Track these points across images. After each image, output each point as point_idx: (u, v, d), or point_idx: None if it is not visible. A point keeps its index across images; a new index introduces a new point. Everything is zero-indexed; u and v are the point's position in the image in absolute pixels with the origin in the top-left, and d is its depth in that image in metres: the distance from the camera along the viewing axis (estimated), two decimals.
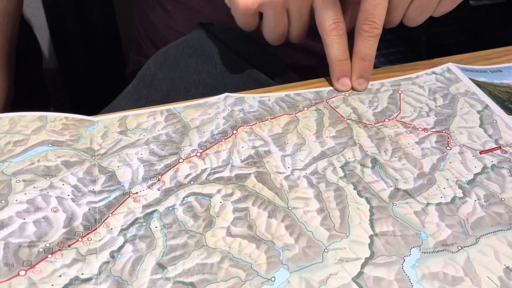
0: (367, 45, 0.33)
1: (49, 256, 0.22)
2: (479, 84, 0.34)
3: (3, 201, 0.24)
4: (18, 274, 0.21)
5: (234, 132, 0.30)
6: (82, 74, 0.67)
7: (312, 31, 0.36)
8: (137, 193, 0.25)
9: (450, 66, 0.36)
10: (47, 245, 0.22)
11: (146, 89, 0.41)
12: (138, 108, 0.32)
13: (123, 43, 0.64)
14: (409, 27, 0.36)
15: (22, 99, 0.49)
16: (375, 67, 0.35)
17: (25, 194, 0.24)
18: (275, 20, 0.35)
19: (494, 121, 0.31)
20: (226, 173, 0.27)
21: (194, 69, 0.40)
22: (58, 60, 0.65)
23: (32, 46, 0.57)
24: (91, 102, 0.68)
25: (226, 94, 0.33)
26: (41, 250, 0.22)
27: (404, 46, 1.57)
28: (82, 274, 0.21)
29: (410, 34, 1.45)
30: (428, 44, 1.41)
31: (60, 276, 0.21)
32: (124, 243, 0.23)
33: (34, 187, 0.24)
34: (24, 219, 0.23)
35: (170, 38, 0.52)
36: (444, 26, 1.39)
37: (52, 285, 0.21)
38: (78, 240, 0.23)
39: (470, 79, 0.34)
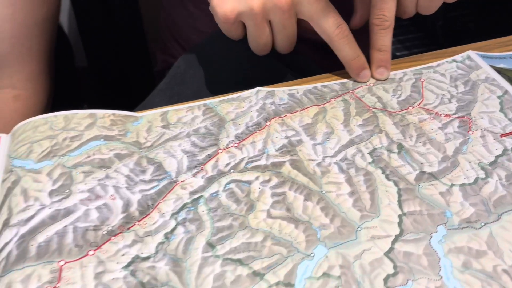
0: (381, 37, 0.35)
1: (112, 238, 0.24)
2: (498, 70, 0.35)
3: (67, 191, 0.26)
4: (88, 254, 0.23)
5: (267, 123, 0.32)
6: (110, 72, 0.70)
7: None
8: (183, 181, 0.28)
9: (470, 54, 0.37)
10: (109, 228, 0.25)
11: (178, 86, 0.43)
12: (172, 104, 0.35)
13: (148, 43, 0.67)
14: (424, 15, 0.37)
15: (58, 96, 0.52)
16: (393, 55, 0.37)
17: (85, 184, 0.27)
18: (257, 31, 0.34)
19: None
20: (262, 162, 0.29)
21: (222, 66, 0.42)
22: (88, 59, 0.68)
23: (64, 46, 0.60)
24: (120, 99, 0.71)
25: (258, 88, 0.35)
26: (105, 233, 0.24)
27: (421, 32, 1.56)
28: (142, 253, 0.24)
29: (427, 19, 1.44)
30: (445, 29, 1.40)
31: (123, 255, 0.24)
32: (176, 225, 0.25)
33: (92, 178, 0.27)
34: (87, 206, 0.26)
35: (194, 38, 0.54)
36: (461, 11, 1.38)
37: (118, 263, 0.23)
38: (135, 224, 0.25)
39: (490, 65, 0.36)
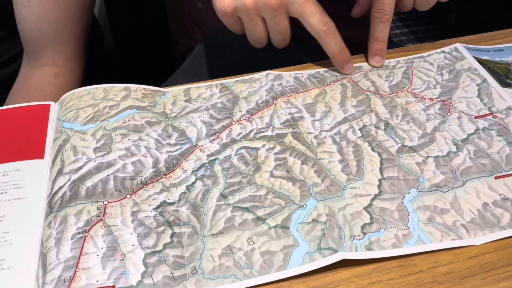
0: (379, 29, 0.39)
1: (145, 186, 0.30)
2: (481, 62, 0.40)
3: (108, 148, 0.32)
4: (126, 197, 0.29)
5: (274, 101, 0.37)
6: (135, 53, 0.75)
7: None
8: (202, 145, 0.34)
9: (457, 46, 0.42)
10: (142, 179, 0.31)
11: (199, 68, 0.49)
12: (193, 82, 0.40)
13: (170, 27, 0.72)
14: (421, 11, 0.41)
15: (88, 74, 0.58)
16: (404, 45, 0.41)
17: (123, 144, 0.33)
18: (251, 26, 0.37)
19: (490, 92, 0.37)
20: (268, 133, 0.35)
21: (237, 51, 0.47)
22: (115, 42, 0.74)
23: (95, 29, 0.65)
24: (142, 78, 0.77)
25: (268, 71, 0.40)
26: (139, 182, 0.30)
27: (434, 23, 1.58)
28: (168, 199, 0.30)
29: (441, 11, 1.46)
30: (458, 21, 1.42)
31: (153, 199, 0.30)
32: (195, 180, 0.31)
33: (128, 139, 0.33)
34: (125, 161, 0.31)
35: (214, 23, 0.59)
36: (476, 3, 1.40)
37: (149, 205, 0.29)
38: (163, 177, 0.31)
39: (474, 57, 0.40)
